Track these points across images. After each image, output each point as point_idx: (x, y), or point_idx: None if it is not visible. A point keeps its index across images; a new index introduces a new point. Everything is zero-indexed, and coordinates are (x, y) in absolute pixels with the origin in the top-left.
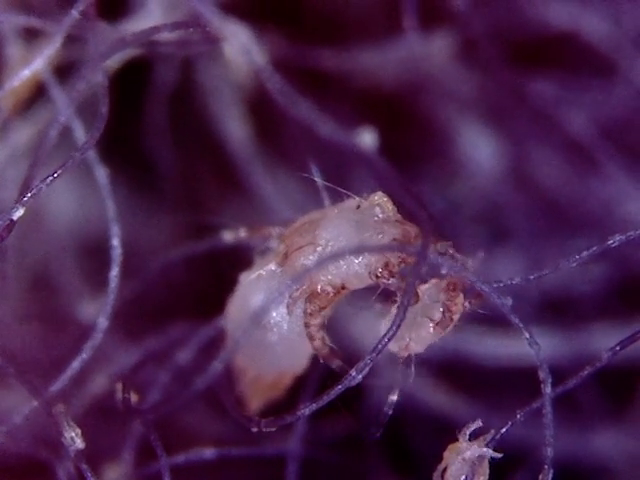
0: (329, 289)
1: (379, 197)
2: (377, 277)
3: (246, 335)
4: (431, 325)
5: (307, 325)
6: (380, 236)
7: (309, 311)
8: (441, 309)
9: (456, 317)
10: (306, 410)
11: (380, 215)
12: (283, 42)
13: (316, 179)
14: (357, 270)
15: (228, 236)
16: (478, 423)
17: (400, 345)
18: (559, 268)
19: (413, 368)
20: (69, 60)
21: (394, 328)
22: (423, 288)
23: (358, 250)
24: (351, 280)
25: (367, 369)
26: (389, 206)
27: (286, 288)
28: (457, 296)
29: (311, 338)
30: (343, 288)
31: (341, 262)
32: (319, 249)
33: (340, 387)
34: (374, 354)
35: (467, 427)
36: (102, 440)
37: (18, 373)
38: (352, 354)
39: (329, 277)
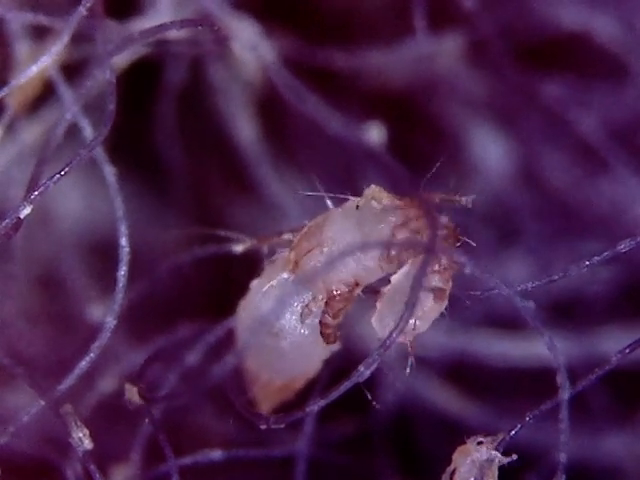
0: (344, 288)
1: (371, 190)
2: (386, 264)
3: (256, 338)
4: (431, 297)
5: (326, 326)
6: (381, 226)
7: (331, 313)
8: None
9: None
10: (315, 406)
11: (377, 207)
12: (292, 41)
13: (314, 192)
14: (365, 264)
15: (238, 248)
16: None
17: (407, 332)
18: (570, 273)
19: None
20: (77, 58)
21: (402, 324)
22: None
23: (365, 247)
24: (362, 275)
25: (375, 365)
26: (383, 195)
27: (299, 291)
28: (448, 273)
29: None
30: (357, 284)
31: (349, 259)
32: (325, 249)
33: (348, 383)
34: (382, 350)
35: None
36: (110, 441)
37: (26, 373)
38: (360, 350)
39: (341, 276)
